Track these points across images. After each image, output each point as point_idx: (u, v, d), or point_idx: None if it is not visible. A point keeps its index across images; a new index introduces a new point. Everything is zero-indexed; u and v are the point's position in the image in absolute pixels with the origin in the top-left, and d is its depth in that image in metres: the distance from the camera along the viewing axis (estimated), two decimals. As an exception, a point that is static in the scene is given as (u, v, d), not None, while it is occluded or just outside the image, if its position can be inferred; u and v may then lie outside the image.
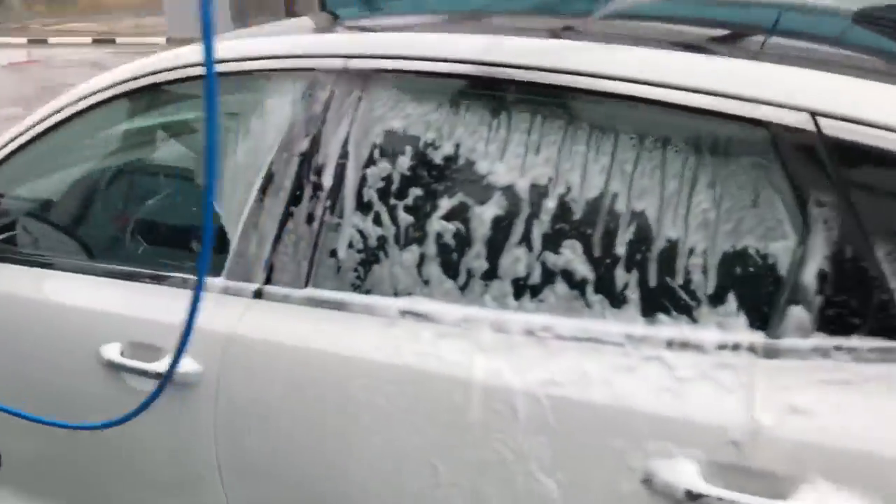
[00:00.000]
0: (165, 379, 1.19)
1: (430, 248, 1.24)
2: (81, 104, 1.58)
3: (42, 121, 1.62)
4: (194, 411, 1.37)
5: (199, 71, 1.09)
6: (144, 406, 1.24)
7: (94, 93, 1.57)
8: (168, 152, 1.99)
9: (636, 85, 1.12)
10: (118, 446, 1.48)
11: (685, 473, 1.00)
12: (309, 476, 1.29)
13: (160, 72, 1.52)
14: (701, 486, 0.99)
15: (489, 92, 1.24)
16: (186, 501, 1.47)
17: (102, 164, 1.93)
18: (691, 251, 1.08)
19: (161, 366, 1.32)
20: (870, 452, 0.94)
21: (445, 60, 1.27)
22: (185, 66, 1.49)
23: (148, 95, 1.60)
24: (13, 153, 1.66)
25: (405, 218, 1.26)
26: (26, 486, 1.69)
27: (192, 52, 1.48)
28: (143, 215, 1.78)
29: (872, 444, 0.94)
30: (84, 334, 1.47)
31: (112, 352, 1.41)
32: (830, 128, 1.01)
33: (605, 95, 1.14)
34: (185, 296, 1.09)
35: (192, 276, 1.39)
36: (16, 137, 1.65)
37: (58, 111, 1.60)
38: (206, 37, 0.90)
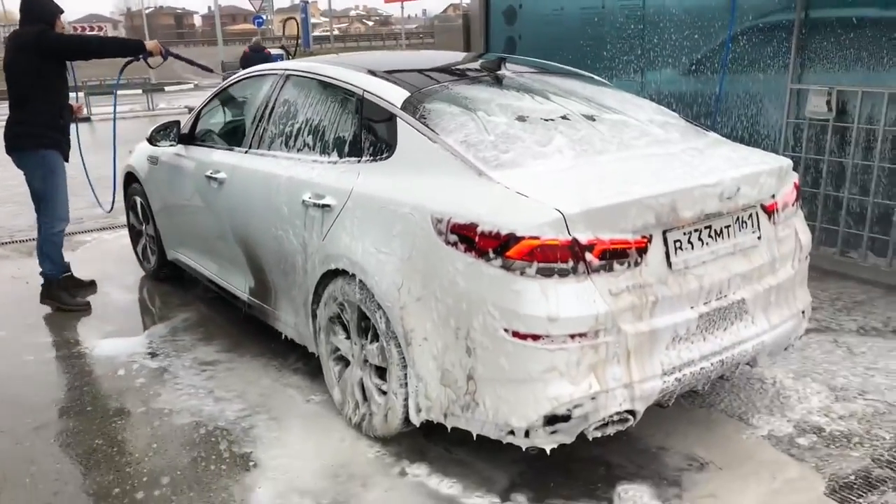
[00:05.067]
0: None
1: (281, 136, 3.63)
2: (223, 86, 4.27)
3: (213, 93, 4.35)
4: (221, 196, 3.91)
5: (261, 72, 3.89)
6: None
7: (229, 82, 4.25)
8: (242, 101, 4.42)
9: (327, 77, 3.40)
10: (198, 218, 4.13)
11: (307, 195, 3.24)
12: (252, 220, 3.74)
13: (243, 76, 4.14)
14: (312, 200, 3.22)
15: (300, 77, 3.63)
16: (222, 242, 4.01)
17: (229, 108, 4.55)
18: (326, 131, 3.33)
19: (217, 175, 3.92)
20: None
21: (292, 70, 3.69)
22: (248, 74, 4.09)
23: (243, 82, 4.22)
24: (204, 106, 4.41)
25: (275, 122, 3.67)
26: (179, 241, 4.42)
27: (249, 71, 4.08)
28: (236, 126, 4.31)
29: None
30: (205, 166, 4.09)
31: (209, 172, 4.01)
32: (366, 94, 3.19)
33: (318, 81, 3.48)
34: (236, 154, 3.80)
35: (239, 147, 3.92)
36: (205, 100, 4.41)
37: (218, 90, 4.31)
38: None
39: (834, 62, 4.83)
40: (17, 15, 4.67)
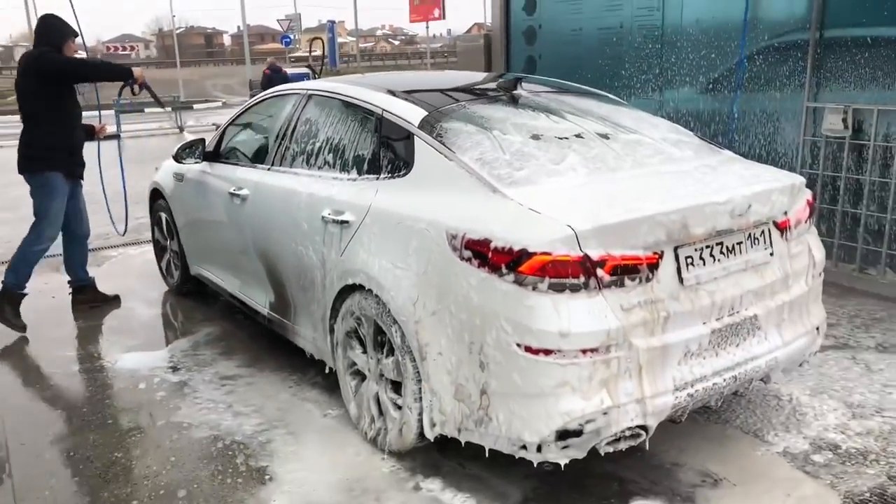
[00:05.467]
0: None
1: (303, 154, 3.71)
2: (248, 104, 4.37)
3: (236, 113, 4.44)
4: (244, 212, 4.00)
5: (284, 92, 3.94)
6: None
7: (254, 101, 4.35)
8: (265, 120, 4.55)
9: (347, 97, 3.48)
10: (221, 233, 4.21)
11: (326, 211, 3.31)
12: (274, 233, 3.82)
13: (266, 95, 4.23)
14: (332, 216, 3.28)
15: (321, 97, 3.71)
16: (244, 258, 4.09)
17: (253, 126, 4.65)
18: (346, 149, 3.40)
19: (239, 191, 4.01)
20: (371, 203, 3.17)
21: (313, 90, 3.77)
22: (271, 94, 4.18)
23: (266, 101, 4.31)
24: (228, 125, 4.52)
25: (297, 140, 3.75)
26: (202, 256, 4.50)
27: (273, 91, 4.17)
28: (259, 144, 4.41)
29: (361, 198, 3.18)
30: (229, 183, 4.18)
31: (233, 188, 4.10)
32: (385, 113, 3.26)
33: (339, 100, 3.55)
34: (259, 171, 3.87)
35: (262, 165, 4.01)
36: (230, 119, 4.50)
37: (243, 108, 4.41)
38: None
39: (849, 81, 4.83)
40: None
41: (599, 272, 2.46)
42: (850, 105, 4.76)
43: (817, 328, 3.13)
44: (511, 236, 2.50)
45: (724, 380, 2.70)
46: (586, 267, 2.44)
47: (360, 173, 3.29)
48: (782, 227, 2.95)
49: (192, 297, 5.24)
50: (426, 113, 3.12)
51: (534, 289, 2.44)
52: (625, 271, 2.49)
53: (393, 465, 3.06)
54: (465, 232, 2.62)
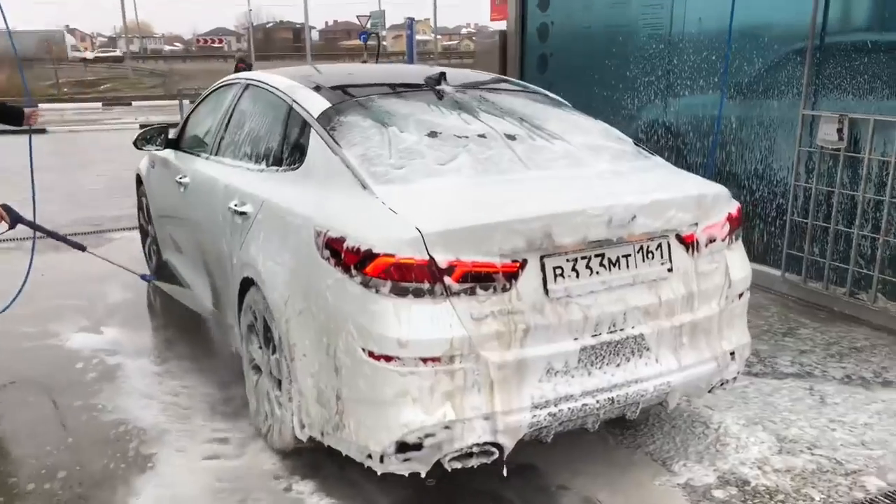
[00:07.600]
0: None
1: (232, 143, 3.67)
2: (207, 92, 4.37)
3: (199, 100, 4.46)
4: (186, 200, 3.99)
5: (230, 81, 3.90)
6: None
7: (207, 92, 4.34)
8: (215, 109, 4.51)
9: (269, 87, 3.42)
10: (174, 220, 4.23)
11: (234, 202, 3.26)
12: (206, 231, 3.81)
13: (219, 85, 4.22)
14: (235, 207, 3.23)
15: (254, 87, 3.65)
16: (187, 245, 4.08)
17: (207, 115, 4.64)
18: (260, 140, 3.34)
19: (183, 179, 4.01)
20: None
21: (251, 79, 3.72)
22: (222, 83, 4.17)
23: (217, 90, 4.30)
24: (191, 113, 4.53)
25: (231, 129, 3.72)
26: (167, 241, 4.53)
27: (229, 77, 4.15)
28: (206, 133, 4.39)
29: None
30: (178, 170, 4.19)
31: (178, 176, 4.11)
32: (294, 104, 3.18)
33: (263, 90, 3.49)
34: (200, 160, 3.82)
35: (204, 154, 4.01)
36: (193, 107, 4.52)
37: (204, 95, 4.42)
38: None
39: (847, 90, 4.47)
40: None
41: (447, 279, 2.32)
42: (845, 114, 4.41)
43: (732, 353, 2.88)
44: (361, 235, 2.39)
45: (598, 402, 2.51)
46: (433, 272, 2.31)
47: (267, 165, 3.23)
48: (688, 242, 2.73)
49: (168, 282, 5.29)
50: (328, 105, 3.03)
51: (377, 291, 2.33)
52: (477, 279, 2.34)
53: (275, 463, 2.99)
54: (328, 230, 2.53)
